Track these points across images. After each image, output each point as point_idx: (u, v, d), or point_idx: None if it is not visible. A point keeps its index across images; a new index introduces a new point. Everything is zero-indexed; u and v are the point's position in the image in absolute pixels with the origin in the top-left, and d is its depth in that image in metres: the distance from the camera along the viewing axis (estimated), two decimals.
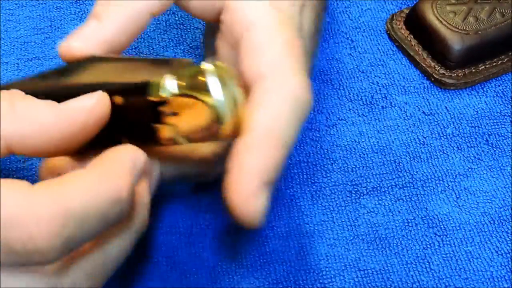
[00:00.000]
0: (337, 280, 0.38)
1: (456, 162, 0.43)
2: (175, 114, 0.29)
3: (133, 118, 0.30)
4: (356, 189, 0.41)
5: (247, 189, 0.30)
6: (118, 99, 0.30)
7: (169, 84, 0.29)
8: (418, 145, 0.43)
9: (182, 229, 0.40)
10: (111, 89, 0.30)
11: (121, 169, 0.28)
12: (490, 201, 0.41)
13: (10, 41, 0.49)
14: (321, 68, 0.47)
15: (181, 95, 0.29)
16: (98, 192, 0.27)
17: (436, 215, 0.40)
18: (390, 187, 0.42)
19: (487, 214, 0.40)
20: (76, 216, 0.26)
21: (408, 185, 0.42)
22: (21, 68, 0.47)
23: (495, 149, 0.43)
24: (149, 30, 0.49)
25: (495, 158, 0.43)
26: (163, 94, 0.29)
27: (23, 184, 0.26)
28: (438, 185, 0.42)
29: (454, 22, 0.46)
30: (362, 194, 0.41)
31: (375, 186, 0.42)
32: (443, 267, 0.39)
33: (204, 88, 0.29)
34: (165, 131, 0.30)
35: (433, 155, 0.43)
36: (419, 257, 0.39)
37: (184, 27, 0.49)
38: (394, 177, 0.42)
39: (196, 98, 0.29)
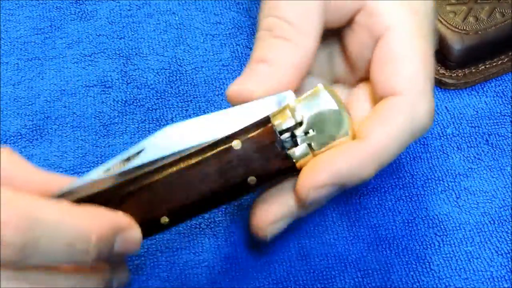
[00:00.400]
0: (337, 280, 0.38)
1: (456, 162, 0.43)
2: (306, 133, 0.32)
3: (261, 154, 0.32)
4: (356, 189, 0.41)
5: (315, 180, 0.32)
6: (236, 144, 0.32)
7: (297, 108, 0.32)
8: (418, 145, 0.43)
9: (182, 229, 0.40)
10: (229, 137, 0.32)
11: (101, 219, 0.30)
12: (490, 201, 0.41)
13: (10, 41, 0.49)
14: None
15: (310, 115, 0.32)
16: (70, 221, 0.28)
17: (436, 215, 0.40)
18: (390, 187, 0.42)
19: (487, 214, 0.40)
20: (45, 228, 0.28)
21: (408, 185, 0.42)
22: (21, 68, 0.47)
23: (495, 149, 0.43)
24: (149, 30, 0.49)
25: (495, 158, 0.43)
26: (291, 119, 0.32)
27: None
28: (438, 185, 0.42)
29: (454, 22, 0.46)
30: (362, 194, 0.41)
31: (375, 186, 0.42)
32: (443, 267, 0.39)
33: (323, 102, 0.32)
34: (299, 153, 0.32)
35: (433, 155, 0.43)
36: (419, 257, 0.39)
37: (184, 27, 0.49)
38: (394, 177, 0.42)
39: (320, 112, 0.32)
